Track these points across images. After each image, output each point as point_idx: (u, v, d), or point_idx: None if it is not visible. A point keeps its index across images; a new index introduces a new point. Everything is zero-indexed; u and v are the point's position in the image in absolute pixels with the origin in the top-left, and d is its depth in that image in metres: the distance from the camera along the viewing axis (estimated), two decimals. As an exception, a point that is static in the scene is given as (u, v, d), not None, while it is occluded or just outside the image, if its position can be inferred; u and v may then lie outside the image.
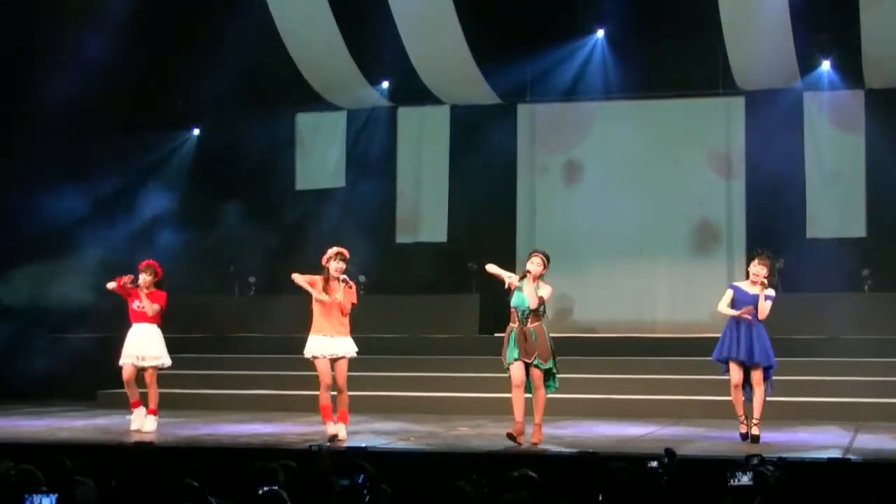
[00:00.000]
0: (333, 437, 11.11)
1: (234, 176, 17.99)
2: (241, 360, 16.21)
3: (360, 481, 6.43)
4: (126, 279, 12.17)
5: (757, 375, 10.99)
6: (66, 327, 16.72)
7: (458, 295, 17.03)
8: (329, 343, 11.34)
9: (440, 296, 17.18)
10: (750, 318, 10.96)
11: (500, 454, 10.35)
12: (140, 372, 12.27)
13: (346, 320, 11.42)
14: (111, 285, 12.24)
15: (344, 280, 11.38)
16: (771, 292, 11.06)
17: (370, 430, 12.20)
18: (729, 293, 11.18)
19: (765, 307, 10.95)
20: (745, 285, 11.16)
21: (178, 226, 17.60)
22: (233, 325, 17.12)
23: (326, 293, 11.33)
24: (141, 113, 17.39)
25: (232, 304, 17.89)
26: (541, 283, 10.98)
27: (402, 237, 18.10)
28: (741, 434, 11.11)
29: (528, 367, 10.88)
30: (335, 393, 11.39)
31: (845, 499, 6.60)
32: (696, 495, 6.57)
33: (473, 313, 16.81)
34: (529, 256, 11.14)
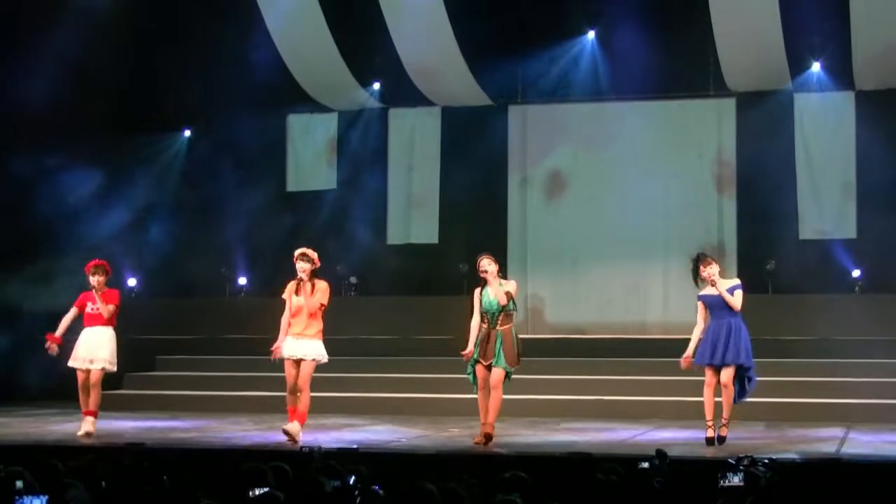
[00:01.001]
0: (285, 432, 11.04)
1: (226, 177, 17.97)
2: (232, 362, 16.18)
3: (351, 483, 6.42)
4: (52, 343, 12.02)
5: (725, 376, 10.91)
6: (54, 329, 16.65)
7: (449, 296, 16.99)
8: (294, 345, 11.33)
9: (431, 297, 17.16)
10: (690, 361, 11.03)
11: (492, 455, 10.36)
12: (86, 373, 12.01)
13: (316, 322, 11.36)
14: (52, 347, 12.06)
15: (313, 280, 11.33)
16: (732, 282, 11.12)
17: (361, 431, 12.19)
18: (700, 306, 11.18)
19: (734, 300, 10.94)
20: (708, 290, 11.15)
21: (169, 227, 17.58)
22: (224, 327, 17.09)
23: (298, 295, 11.32)
24: (132, 114, 17.36)
25: (223, 305, 17.86)
26: (502, 281, 11.06)
27: (393, 238, 18.09)
28: (707, 438, 10.92)
29: (489, 366, 10.95)
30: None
31: (837, 499, 6.60)
32: (688, 496, 6.57)
33: (464, 315, 16.72)
34: (478, 262, 11.14)
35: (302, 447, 8.94)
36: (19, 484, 6.21)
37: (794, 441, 11.46)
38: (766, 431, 11.96)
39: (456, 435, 12.03)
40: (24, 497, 5.70)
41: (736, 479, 6.43)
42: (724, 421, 10.96)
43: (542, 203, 17.73)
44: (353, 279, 17.57)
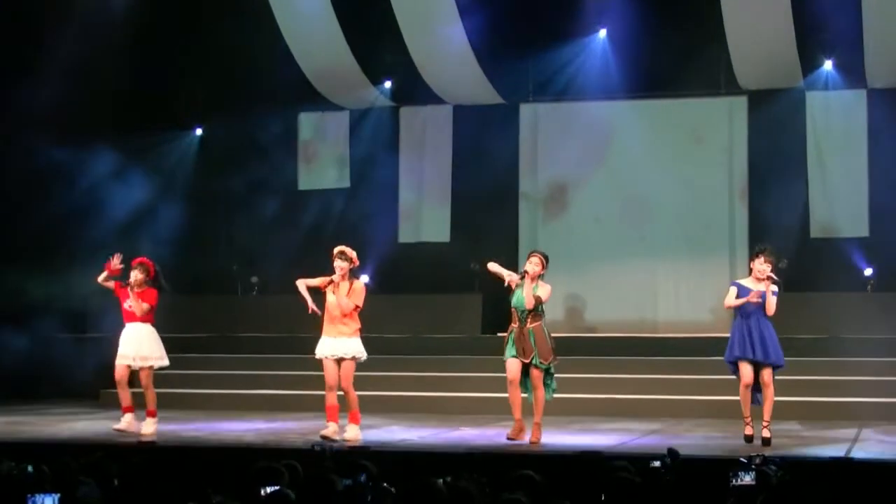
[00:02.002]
0: (324, 437, 11.04)
1: (237, 176, 17.98)
2: (244, 360, 16.21)
3: (362, 481, 6.43)
4: (115, 261, 11.87)
5: (767, 375, 10.89)
6: (68, 326, 16.72)
7: (460, 294, 17.02)
8: (331, 344, 11.34)
9: (443, 295, 17.17)
10: (759, 300, 10.86)
11: (503, 454, 10.37)
12: (135, 373, 11.98)
13: (352, 321, 11.37)
14: (102, 276, 11.92)
15: (349, 279, 11.34)
16: (775, 288, 11.04)
17: (373, 429, 12.20)
18: (733, 290, 11.09)
19: (772, 302, 10.92)
20: (747, 282, 11.11)
21: (180, 226, 17.59)
22: (235, 325, 17.12)
23: (333, 294, 11.33)
24: (144, 113, 17.38)
25: (235, 303, 17.89)
26: (539, 283, 11.04)
27: (404, 237, 18.09)
28: (746, 436, 10.89)
29: (526, 366, 10.94)
30: (342, 393, 11.40)
31: (848, 498, 6.60)
32: (699, 495, 6.56)
33: (476, 313, 16.79)
34: (528, 257, 11.19)
35: (313, 445, 8.96)
36: (30, 468, 6.26)
37: (806, 440, 11.45)
38: (778, 430, 11.93)
39: (467, 433, 12.04)
40: (37, 495, 5.72)
41: (747, 478, 6.43)
42: (766, 422, 10.88)
43: (554, 201, 17.71)
44: (364, 277, 17.57)
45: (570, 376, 14.67)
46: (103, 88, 16.47)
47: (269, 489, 5.91)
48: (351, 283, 11.35)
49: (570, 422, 12.86)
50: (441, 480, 5.86)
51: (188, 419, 13.34)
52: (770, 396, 10.90)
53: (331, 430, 11.18)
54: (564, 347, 15.53)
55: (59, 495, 5.74)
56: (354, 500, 6.12)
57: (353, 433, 11.28)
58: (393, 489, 6.24)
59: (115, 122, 17.17)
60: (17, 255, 16.45)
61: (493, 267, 11.24)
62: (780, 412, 12.97)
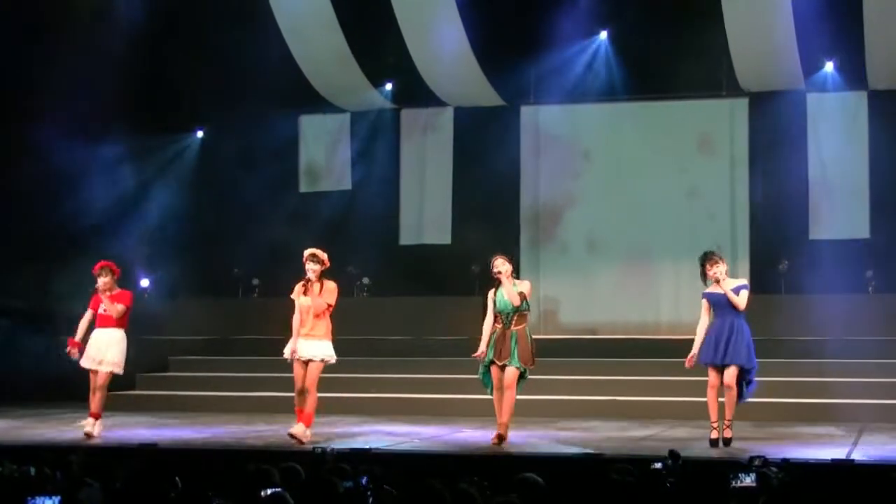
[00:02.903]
0: (291, 436, 11.05)
1: (238, 178, 17.99)
2: (244, 363, 16.21)
3: (363, 483, 6.43)
4: (73, 348, 11.96)
5: (728, 376, 10.85)
6: (69, 329, 16.71)
7: (461, 297, 17.00)
8: (302, 345, 11.33)
9: (444, 297, 17.17)
10: (691, 365, 11.03)
11: (504, 456, 10.36)
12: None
13: (324, 323, 11.35)
14: (73, 352, 11.99)
15: (320, 280, 11.33)
16: (739, 282, 11.07)
17: (373, 432, 12.20)
18: (704, 303, 11.12)
19: (738, 299, 10.89)
20: (713, 288, 11.11)
21: (181, 228, 17.61)
22: (236, 327, 17.12)
23: (306, 295, 11.33)
24: (145, 116, 17.38)
25: (235, 306, 17.89)
26: (516, 281, 11.06)
27: (405, 239, 18.09)
28: (711, 440, 10.88)
29: (503, 367, 10.94)
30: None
31: (849, 500, 6.60)
32: (701, 497, 6.56)
33: (476, 315, 16.63)
34: (492, 262, 11.13)
35: (314, 448, 8.96)
36: (32, 471, 6.26)
37: (807, 442, 11.44)
38: (779, 432, 11.93)
39: (468, 436, 12.03)
40: (38, 497, 5.72)
41: (748, 480, 6.43)
42: (727, 422, 10.91)
43: (555, 204, 17.72)
44: (365, 280, 17.59)
45: (570, 378, 14.71)
46: (106, 92, 16.46)
47: (269, 491, 5.91)
48: (322, 283, 11.34)
49: (571, 423, 12.86)
50: (442, 483, 5.86)
51: (189, 421, 13.34)
52: (730, 396, 10.88)
53: (294, 429, 11.19)
54: (565, 349, 15.62)
55: (59, 498, 5.74)
56: (355, 503, 6.13)
57: (300, 430, 11.19)
58: (394, 491, 6.24)
59: (117, 126, 17.17)
60: (18, 257, 16.47)
61: (485, 340, 11.17)
62: (781, 413, 13.01)
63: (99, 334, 12.01)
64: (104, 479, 6.44)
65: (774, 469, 6.84)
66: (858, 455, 10.24)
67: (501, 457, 10.36)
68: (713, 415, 10.95)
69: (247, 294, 18.17)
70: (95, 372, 11.97)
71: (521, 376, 11.10)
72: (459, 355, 15.76)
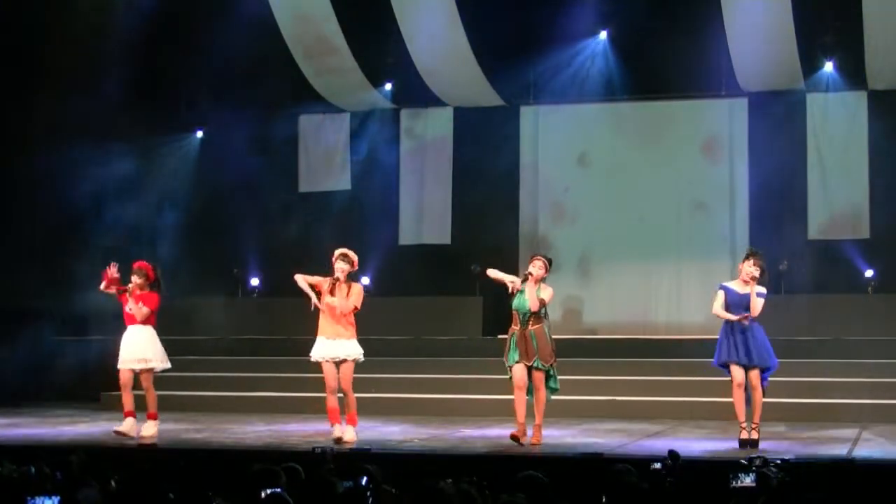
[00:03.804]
0: (338, 440, 11.11)
1: (237, 178, 17.98)
2: (244, 363, 16.21)
3: (363, 483, 6.43)
4: (111, 270, 11.84)
5: (754, 378, 10.87)
6: (70, 329, 16.72)
7: (461, 297, 17.02)
8: (330, 346, 11.34)
9: (443, 298, 17.17)
10: (747, 322, 10.90)
11: (504, 456, 10.36)
12: (136, 376, 11.91)
13: (349, 323, 11.38)
14: (102, 285, 11.91)
15: (347, 282, 11.37)
16: (762, 289, 11.02)
17: (374, 432, 12.19)
18: (721, 294, 11.08)
19: (757, 304, 10.89)
20: (735, 285, 11.08)
21: (181, 228, 17.60)
22: (236, 328, 17.12)
23: (333, 295, 11.33)
24: (144, 115, 17.38)
25: (235, 306, 17.89)
26: (542, 286, 11.05)
27: (405, 239, 18.09)
28: (741, 440, 10.85)
29: (529, 369, 10.93)
30: (342, 395, 11.41)
31: (849, 500, 6.59)
32: (700, 497, 6.56)
33: (476, 315, 16.79)
34: (531, 259, 11.20)
35: (314, 448, 8.96)
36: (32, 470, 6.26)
37: (807, 441, 11.43)
38: (779, 432, 11.93)
39: (468, 436, 12.03)
40: (37, 497, 5.71)
41: (748, 480, 6.43)
42: (755, 424, 10.87)
43: (554, 204, 17.72)
44: (365, 280, 17.58)
45: (570, 378, 14.64)
46: (104, 91, 16.46)
47: (269, 492, 5.91)
48: (349, 286, 11.37)
49: (571, 423, 12.85)
50: (442, 483, 5.86)
51: (189, 422, 13.33)
52: (758, 399, 10.87)
53: (339, 432, 11.23)
54: (565, 349, 15.55)
55: (59, 498, 5.74)
56: (355, 503, 6.13)
57: (350, 435, 11.29)
58: (394, 491, 6.24)
59: (116, 125, 17.16)
60: (19, 257, 16.47)
61: (493, 273, 11.23)
62: (781, 413, 12.99)
63: (131, 333, 11.91)
64: (104, 479, 6.44)
65: (774, 469, 6.83)
66: (858, 455, 10.24)
67: (501, 457, 10.35)
68: (741, 415, 10.89)
69: (247, 294, 18.17)
70: (130, 371, 11.87)
71: (549, 374, 11.07)
72: (459, 355, 15.81)
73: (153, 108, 17.64)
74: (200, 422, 13.37)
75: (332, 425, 11.34)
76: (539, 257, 11.18)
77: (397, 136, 18.23)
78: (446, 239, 17.86)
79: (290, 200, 18.25)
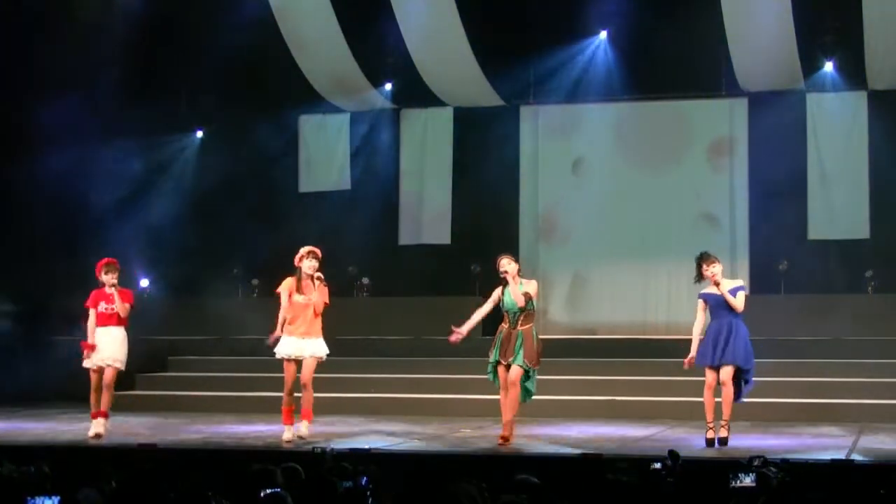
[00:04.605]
0: (288, 443, 11.04)
1: (238, 178, 17.99)
2: (244, 363, 16.18)
3: (363, 483, 6.43)
4: (89, 351, 11.89)
5: (724, 374, 10.84)
6: (66, 329, 16.72)
7: (461, 297, 16.97)
8: (298, 344, 11.33)
9: (443, 297, 17.14)
10: (689, 366, 11.06)
11: (503, 456, 10.37)
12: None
13: (318, 321, 11.37)
14: (88, 354, 11.92)
15: (318, 278, 11.35)
16: (737, 283, 11.06)
17: (373, 432, 12.19)
18: (700, 304, 11.14)
19: (735, 301, 10.89)
20: (711, 289, 11.10)
21: (181, 228, 17.59)
22: (236, 328, 17.10)
23: (300, 293, 11.32)
24: (145, 116, 17.38)
25: (235, 305, 17.87)
26: (522, 281, 11.06)
27: (405, 239, 18.09)
28: (707, 440, 10.88)
29: (507, 365, 10.92)
30: (299, 395, 11.37)
31: (848, 501, 6.59)
32: (700, 497, 6.56)
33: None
34: (498, 260, 11.14)
35: (314, 448, 8.96)
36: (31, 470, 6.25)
37: (807, 442, 11.43)
38: (778, 432, 11.93)
39: (468, 436, 12.03)
40: (37, 497, 5.71)
41: (748, 480, 6.42)
42: (723, 422, 10.91)
43: (554, 204, 17.72)
44: (364, 280, 17.58)
45: (570, 378, 14.69)
46: (104, 91, 16.46)
47: (269, 492, 5.91)
48: (320, 281, 11.37)
49: (571, 424, 12.85)
50: (441, 483, 5.86)
51: (188, 422, 13.33)
52: (727, 394, 10.87)
53: (289, 434, 11.23)
54: (565, 349, 15.60)
55: (59, 498, 5.74)
56: (355, 503, 6.13)
57: (305, 430, 11.24)
58: (393, 492, 6.23)
59: (116, 125, 17.17)
60: (19, 257, 16.46)
61: (469, 323, 11.19)
62: (781, 413, 13.01)
63: (102, 333, 11.93)
64: (103, 479, 6.43)
65: (774, 469, 6.83)
66: (858, 455, 10.24)
67: (501, 457, 10.35)
68: (709, 415, 10.96)
69: (247, 294, 18.16)
70: (97, 371, 11.91)
71: (528, 376, 11.05)
72: (459, 355, 15.77)
73: (153, 108, 17.63)
74: (200, 422, 13.36)
75: (285, 426, 11.30)
76: (504, 255, 11.19)
77: (397, 136, 18.23)
78: (446, 239, 17.86)
79: (290, 200, 18.24)
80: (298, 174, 18.51)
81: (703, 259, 11.08)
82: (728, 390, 10.87)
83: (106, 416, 11.93)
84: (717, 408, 11.00)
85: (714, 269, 10.95)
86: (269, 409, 14.53)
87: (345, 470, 6.66)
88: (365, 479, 6.52)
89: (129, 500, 6.04)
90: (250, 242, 17.86)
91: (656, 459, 7.26)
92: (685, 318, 16.59)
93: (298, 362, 11.34)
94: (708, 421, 10.97)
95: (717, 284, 10.94)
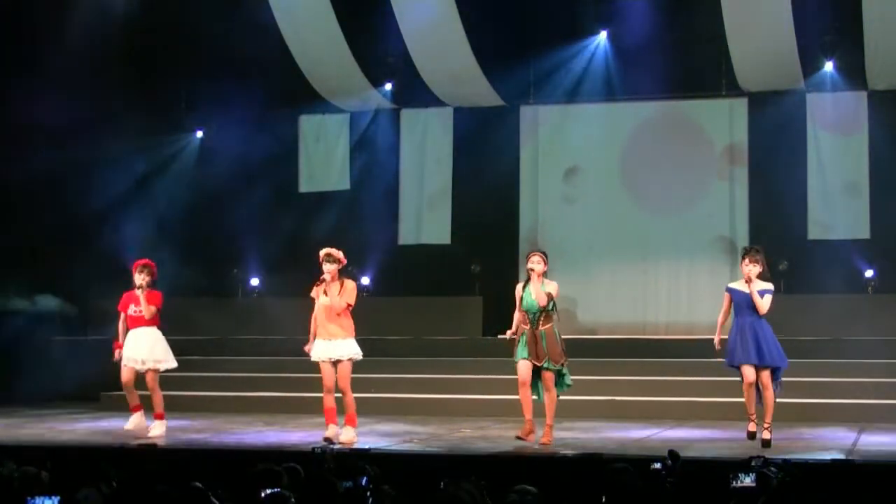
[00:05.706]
0: (327, 439, 11.02)
1: (237, 179, 17.98)
2: (244, 363, 16.20)
3: (363, 483, 6.43)
4: (120, 350, 11.87)
5: (765, 377, 10.88)
6: (69, 329, 16.72)
7: (461, 297, 17.03)
8: (327, 346, 11.31)
9: (443, 298, 17.18)
10: (719, 347, 11.05)
11: (504, 456, 10.36)
12: (141, 376, 11.89)
13: (346, 321, 11.34)
14: (118, 353, 11.91)
15: (340, 280, 11.33)
16: (767, 286, 11.01)
17: (373, 432, 12.20)
18: (727, 297, 11.09)
19: (761, 303, 10.89)
20: (739, 285, 11.10)
21: (181, 228, 17.60)
22: (236, 328, 17.12)
23: (326, 296, 11.31)
24: (145, 116, 17.39)
25: (235, 306, 17.88)
26: (545, 281, 11.04)
27: (405, 239, 18.09)
28: (749, 432, 10.90)
29: (539, 369, 10.92)
30: (339, 395, 11.39)
31: (849, 501, 6.59)
32: (700, 497, 6.56)
33: (476, 315, 16.81)
34: (528, 257, 11.17)
35: (314, 448, 8.95)
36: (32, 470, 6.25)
37: (807, 442, 11.44)
38: (779, 432, 11.92)
39: (468, 436, 12.03)
40: (38, 497, 5.71)
41: (748, 480, 6.42)
42: (766, 424, 10.87)
43: (554, 204, 17.72)
44: (365, 280, 17.58)
45: (571, 378, 14.67)
46: (105, 91, 16.47)
47: (270, 492, 5.91)
48: (342, 283, 11.32)
49: (571, 424, 12.84)
50: (441, 483, 5.86)
51: (189, 422, 13.33)
52: (769, 398, 10.88)
53: (331, 432, 11.18)
54: (567, 349, 15.59)
55: (59, 498, 5.74)
56: (355, 503, 6.12)
57: (350, 435, 11.26)
58: (393, 492, 6.23)
59: (116, 126, 17.17)
60: (20, 258, 16.47)
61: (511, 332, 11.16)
62: (781, 413, 12.94)
63: (138, 335, 11.86)
64: (103, 479, 6.43)
65: (774, 469, 6.83)
66: (858, 455, 10.24)
67: (501, 457, 10.34)
68: (751, 407, 10.90)
69: (247, 294, 18.17)
70: (132, 370, 11.83)
71: (561, 375, 11.06)
72: (459, 355, 15.80)
73: (153, 109, 17.63)
74: (200, 422, 13.37)
75: (327, 425, 11.30)
76: (536, 252, 11.20)
77: (397, 136, 18.23)
78: (446, 239, 17.86)
79: (290, 200, 18.24)
80: (298, 174, 18.52)
81: (747, 254, 11.06)
82: (769, 394, 10.86)
83: (161, 417, 11.93)
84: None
85: (752, 269, 10.90)
86: (270, 409, 14.58)
87: (345, 470, 6.66)
88: (365, 479, 6.52)
89: (129, 500, 6.04)
90: (251, 242, 17.87)
91: (656, 459, 7.26)
92: (685, 318, 16.74)
93: (332, 363, 11.31)
94: (750, 413, 10.93)
95: (748, 282, 10.90)
